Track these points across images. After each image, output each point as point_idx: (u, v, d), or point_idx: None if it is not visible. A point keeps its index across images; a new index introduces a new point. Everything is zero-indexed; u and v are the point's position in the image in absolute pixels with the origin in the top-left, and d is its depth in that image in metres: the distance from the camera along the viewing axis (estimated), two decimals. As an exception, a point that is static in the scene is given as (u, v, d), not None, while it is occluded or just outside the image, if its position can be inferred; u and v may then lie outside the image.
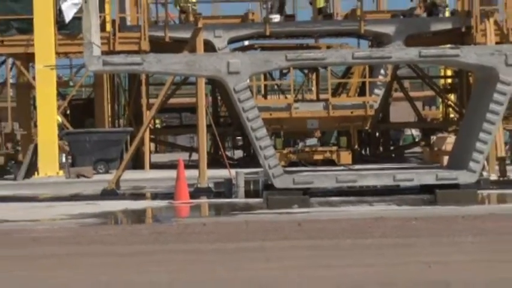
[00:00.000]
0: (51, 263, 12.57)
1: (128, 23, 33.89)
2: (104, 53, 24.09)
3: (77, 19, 29.19)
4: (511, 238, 13.93)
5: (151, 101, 32.93)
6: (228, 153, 34.28)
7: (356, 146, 36.71)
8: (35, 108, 31.86)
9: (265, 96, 37.89)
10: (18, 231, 16.54)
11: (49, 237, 15.64)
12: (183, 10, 34.49)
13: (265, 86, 38.78)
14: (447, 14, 34.68)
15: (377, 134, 37.98)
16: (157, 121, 37.69)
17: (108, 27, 32.25)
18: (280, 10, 34.80)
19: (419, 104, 40.07)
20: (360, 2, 34.32)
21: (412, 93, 39.24)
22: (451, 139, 28.24)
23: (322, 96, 37.43)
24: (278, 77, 39.46)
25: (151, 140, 34.75)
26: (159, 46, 32.04)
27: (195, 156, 30.99)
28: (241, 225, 17.01)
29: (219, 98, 37.36)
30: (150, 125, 31.45)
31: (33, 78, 31.75)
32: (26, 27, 31.67)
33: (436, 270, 11.07)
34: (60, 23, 31.46)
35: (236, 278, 10.83)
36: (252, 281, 10.51)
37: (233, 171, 23.69)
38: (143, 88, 33.95)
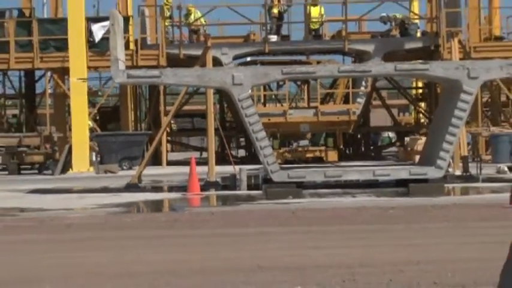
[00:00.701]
0: (83, 245, 12.59)
1: (148, 42, 33.87)
2: (128, 67, 24.08)
3: (105, 39, 29.18)
4: (472, 224, 13.93)
5: (167, 108, 32.88)
6: (233, 152, 34.21)
7: (341, 146, 36.73)
8: (69, 114, 31.86)
9: (264, 104, 37.86)
10: (55, 219, 16.55)
11: (81, 224, 15.66)
12: (194, 31, 34.50)
13: (264, 95, 38.74)
14: (418, 34, 34.71)
15: (359, 136, 37.98)
16: (173, 125, 37.59)
17: (132, 45, 32.25)
18: (277, 31, 34.80)
19: (394, 111, 40.04)
20: (345, 24, 34.38)
21: (388, 102, 39.22)
22: (421, 140, 28.23)
23: (312, 104, 37.37)
24: (275, 88, 39.43)
25: (167, 141, 34.76)
26: (174, 62, 32.02)
27: (205, 154, 30.97)
28: (244, 214, 17.02)
29: (225, 105, 37.36)
30: (167, 129, 31.41)
31: (68, 89, 31.76)
32: (62, 45, 31.68)
33: (408, 251, 11.09)
34: (91, 42, 31.48)
35: (239, 257, 10.85)
36: (252, 259, 10.51)
37: (237, 167, 23.69)
38: (161, 97, 33.96)
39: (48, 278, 9.52)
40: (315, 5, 34.27)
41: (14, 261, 11.02)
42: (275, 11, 34.44)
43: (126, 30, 29.21)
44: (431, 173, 20.46)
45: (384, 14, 34.51)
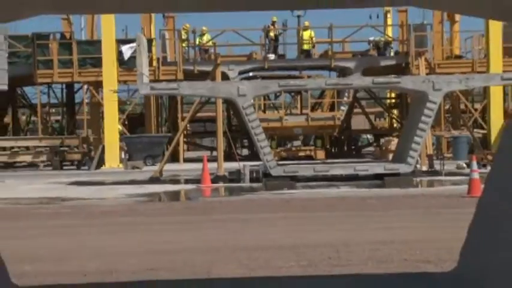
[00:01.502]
0: (114, 229, 12.60)
1: (168, 60, 33.89)
2: (151, 81, 24.10)
3: (132, 57, 29.17)
4: (436, 211, 13.94)
5: (184, 114, 32.87)
6: (238, 151, 34.20)
7: (328, 146, 36.72)
8: (102, 119, 31.85)
9: (264, 111, 37.79)
10: (91, 206, 16.57)
11: (112, 211, 15.68)
12: (205, 50, 34.56)
13: (264, 104, 38.68)
14: (392, 53, 34.74)
15: (342, 137, 37.94)
16: (188, 129, 37.58)
17: (154, 63, 32.24)
18: (274, 51, 34.88)
19: (372, 117, 39.98)
20: (331, 45, 34.44)
21: (367, 109, 39.15)
22: (394, 141, 28.26)
23: (304, 111, 37.37)
24: (273, 98, 39.42)
25: (184, 142, 34.72)
26: (189, 76, 32.02)
27: (215, 153, 30.97)
28: (247, 202, 17.03)
29: (231, 112, 37.32)
30: (184, 132, 31.44)
31: (102, 98, 31.77)
32: (97, 63, 31.70)
33: (384, 233, 11.10)
34: (120, 60, 31.47)
35: (243, 238, 10.86)
36: (254, 240, 10.53)
37: (241, 164, 23.70)
38: (178, 106, 33.96)
39: (88, 255, 9.54)
40: (306, 29, 34.39)
41: (56, 242, 11.05)
42: (271, 34, 34.60)
43: (149, 50, 29.23)
44: (403, 168, 20.48)
45: (371, 38, 34.74)
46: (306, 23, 34.43)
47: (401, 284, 5.16)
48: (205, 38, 34.53)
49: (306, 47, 34.55)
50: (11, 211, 15.61)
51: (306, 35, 34.54)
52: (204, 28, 34.49)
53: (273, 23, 34.54)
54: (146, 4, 4.85)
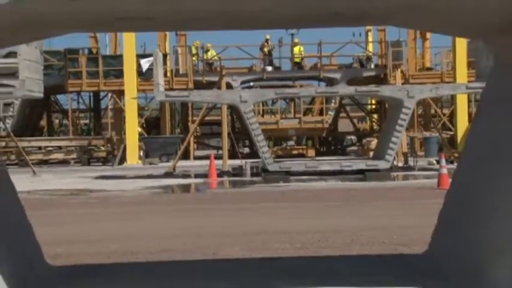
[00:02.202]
0: (134, 216, 12.61)
1: (180, 72, 33.90)
2: (166, 90, 24.08)
3: (150, 70, 29.15)
4: (411, 201, 13.93)
5: (194, 118, 32.88)
6: (240, 150, 34.19)
7: (317, 146, 36.71)
8: (124, 123, 31.83)
9: (262, 116, 37.83)
10: (114, 197, 16.57)
11: (132, 201, 15.68)
12: (209, 63, 34.68)
13: (263, 109, 38.75)
14: (372, 66, 34.77)
15: (330, 138, 37.91)
16: (197, 130, 37.62)
17: (169, 74, 32.23)
18: (271, 64, 34.98)
19: (355, 120, 39.94)
20: (320, 59, 34.53)
21: (351, 114, 39.11)
22: (374, 141, 28.21)
23: (297, 115, 37.41)
24: (270, 104, 39.41)
25: (194, 142, 34.71)
26: (199, 85, 32.00)
27: (220, 152, 30.98)
28: (248, 194, 17.03)
29: (235, 117, 37.29)
30: (194, 133, 31.42)
31: (123, 105, 31.76)
32: (119, 74, 31.70)
33: (365, 220, 11.09)
34: (139, 72, 31.47)
35: (245, 224, 10.86)
36: (254, 226, 10.53)
37: (243, 161, 23.73)
38: (189, 111, 34.01)
39: (112, 239, 9.54)
40: (295, 45, 34.61)
41: (84, 228, 11.04)
42: (265, 50, 34.81)
43: (164, 63, 29.25)
44: (382, 164, 20.48)
45: (355, 54, 35.09)
46: (296, 40, 34.65)
47: (380, 265, 5.14)
48: (210, 53, 34.72)
49: (296, 60, 34.77)
50: (46, 201, 15.61)
51: (296, 50, 34.75)
52: (208, 45, 34.67)
53: (267, 41, 34.72)
54: (160, 23, 4.84)
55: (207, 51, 34.58)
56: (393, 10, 4.30)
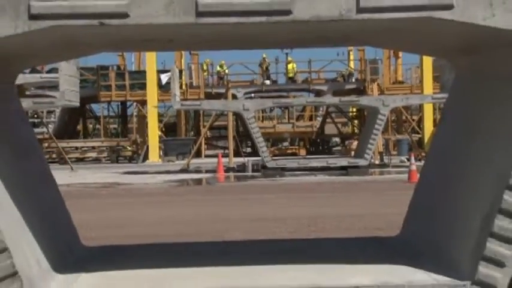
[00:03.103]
0: (155, 204, 12.63)
1: (193, 85, 33.96)
2: (181, 100, 24.12)
3: (168, 83, 29.23)
4: (385, 192, 13.96)
5: (205, 123, 32.90)
6: (243, 150, 34.22)
7: (307, 146, 36.73)
8: (146, 127, 31.87)
9: (262, 121, 37.87)
10: (138, 189, 16.60)
11: (153, 192, 15.71)
12: (220, 77, 34.72)
13: (262, 116, 38.78)
14: (353, 80, 34.81)
15: (318, 140, 37.92)
16: (208, 134, 37.65)
17: (184, 86, 32.29)
18: (269, 78, 35.10)
19: (339, 125, 39.95)
20: (310, 74, 34.64)
21: (336, 120, 39.13)
22: (355, 143, 28.24)
23: (290, 121, 37.47)
24: (269, 111, 39.45)
25: (205, 143, 34.73)
26: (209, 96, 32.08)
27: (227, 151, 31.04)
28: (250, 186, 17.05)
29: (239, 122, 37.35)
30: (205, 136, 31.47)
31: (146, 112, 31.79)
32: (143, 87, 31.76)
33: (348, 208, 11.10)
34: (159, 85, 31.53)
35: (247, 212, 10.87)
36: (255, 213, 10.54)
37: (246, 159, 23.75)
38: (201, 117, 34.05)
39: (136, 224, 9.55)
40: (289, 62, 34.73)
41: (113, 215, 11.06)
42: (264, 66, 34.97)
43: (180, 77, 29.29)
44: (361, 162, 20.49)
45: (339, 70, 35.26)
46: (290, 58, 34.88)
47: (360, 245, 5.13)
48: (222, 68, 35.11)
49: (290, 75, 34.97)
50: (82, 192, 15.63)
51: (290, 66, 34.90)
52: (222, 62, 35.09)
53: (264, 59, 35.00)
54: (179, 45, 4.85)
55: (221, 66, 34.91)
56: (371, 34, 4.31)
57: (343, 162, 21.33)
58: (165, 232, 8.57)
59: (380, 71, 34.04)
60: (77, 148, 31.69)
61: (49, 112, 33.63)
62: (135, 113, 37.15)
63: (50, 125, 32.33)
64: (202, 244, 5.48)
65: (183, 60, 35.78)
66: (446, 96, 5.46)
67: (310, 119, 37.01)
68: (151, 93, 30.70)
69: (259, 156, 21.63)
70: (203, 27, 3.71)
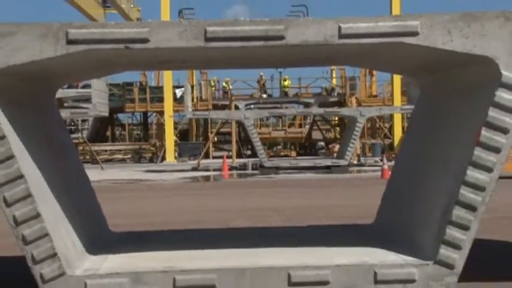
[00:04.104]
0: (170, 197, 12.59)
1: (203, 98, 33.95)
2: (193, 110, 24.11)
3: (182, 96, 29.25)
4: (363, 187, 13.91)
5: (212, 130, 32.88)
6: (244, 152, 34.18)
7: (297, 149, 36.69)
8: (164, 133, 31.83)
9: (259, 128, 37.83)
10: (156, 185, 16.56)
11: (170, 187, 15.67)
12: (225, 91, 34.73)
13: (260, 123, 38.75)
14: (336, 94, 34.79)
15: (306, 144, 37.88)
16: (215, 138, 37.62)
17: (195, 99, 32.29)
18: (265, 92, 35.12)
19: (324, 131, 39.90)
20: (299, 89, 34.66)
21: (321, 127, 39.08)
22: (337, 146, 28.18)
23: (283, 128, 37.46)
24: (265, 120, 39.43)
25: (212, 146, 34.70)
26: (216, 107, 32.09)
27: (231, 153, 30.98)
28: (250, 182, 17.02)
29: (240, 129, 37.32)
30: (212, 140, 31.43)
31: (164, 120, 31.75)
32: (161, 99, 31.74)
33: (332, 200, 11.07)
34: (175, 98, 31.51)
35: (247, 203, 10.84)
36: (254, 204, 10.52)
37: (246, 159, 23.72)
38: (209, 124, 34.02)
39: (156, 213, 9.53)
40: (285, 80, 34.74)
41: (136, 206, 11.03)
42: (261, 82, 35.02)
43: (192, 92, 29.28)
44: (342, 162, 20.46)
45: (323, 86, 35.35)
46: (286, 76, 34.90)
47: (342, 231, 5.13)
48: (229, 84, 35.21)
49: (286, 89, 35.08)
50: (110, 187, 15.60)
51: (286, 83, 34.94)
52: (227, 79, 35.25)
53: (261, 76, 35.09)
54: (191, 65, 4.86)
55: (226, 82, 35.05)
56: (351, 56, 4.32)
57: (327, 162, 21.31)
58: (178, 220, 8.56)
59: (357, 86, 34.03)
60: (106, 150, 31.65)
61: (83, 121, 33.59)
62: (154, 121, 37.12)
63: (84, 131, 32.29)
64: (209, 230, 5.47)
65: (194, 78, 35.77)
66: (412, 108, 5.47)
67: (300, 126, 36.99)
68: (168, 105, 30.68)
69: (257, 157, 21.62)
70: (211, 50, 3.74)
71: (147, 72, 36.38)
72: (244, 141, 35.50)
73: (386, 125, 35.17)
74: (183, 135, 36.32)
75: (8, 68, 3.65)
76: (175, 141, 31.41)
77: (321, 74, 37.44)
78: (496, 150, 3.70)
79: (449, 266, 3.78)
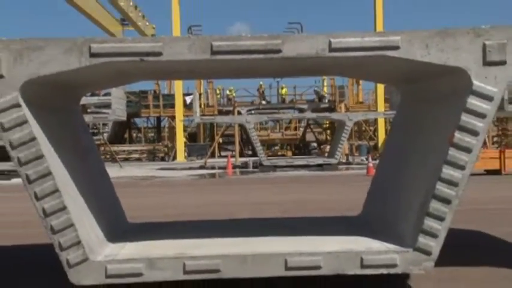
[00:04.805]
0: (181, 192, 12.58)
1: (209, 104, 33.93)
2: (201, 115, 24.11)
3: (191, 103, 29.21)
4: (351, 183, 13.90)
5: (218, 132, 32.87)
6: (246, 152, 34.16)
7: (293, 149, 36.68)
8: (175, 135, 31.81)
9: (259, 130, 37.80)
10: (169, 181, 16.56)
11: (180, 183, 15.66)
12: (229, 98, 34.73)
13: (259, 127, 38.75)
14: (326, 100, 34.79)
15: (301, 144, 37.84)
16: (220, 140, 37.58)
17: (202, 105, 32.26)
18: (264, 99, 35.10)
19: (316, 134, 39.85)
20: (295, 96, 34.64)
21: (314, 130, 39.04)
22: (328, 147, 28.17)
23: (281, 130, 37.43)
24: (265, 123, 39.43)
25: (218, 147, 34.67)
26: (220, 112, 32.08)
27: (234, 153, 30.96)
28: (251, 179, 17.00)
29: (242, 131, 37.30)
30: (218, 141, 31.40)
31: (175, 124, 31.73)
32: (172, 105, 31.72)
33: (324, 195, 11.06)
34: (184, 104, 31.50)
35: (249, 198, 10.84)
36: (255, 198, 10.51)
37: (248, 158, 23.69)
38: (215, 128, 34.00)
39: (168, 206, 9.53)
40: (282, 88, 34.75)
41: (150, 200, 11.03)
42: (260, 90, 35.01)
43: (199, 99, 29.28)
44: (332, 161, 20.46)
45: (316, 89, 35.17)
46: (283, 85, 34.94)
47: (333, 222, 5.12)
48: (231, 92, 35.15)
49: (284, 96, 35.12)
50: (128, 183, 15.60)
51: (283, 91, 34.94)
52: (231, 87, 35.17)
53: (261, 85, 35.11)
54: (198, 75, 4.87)
55: (230, 90, 35.03)
56: (340, 67, 4.33)
57: (319, 161, 21.30)
58: (188, 212, 8.56)
59: (346, 94, 34.02)
60: (124, 151, 31.65)
61: (104, 124, 33.53)
62: (166, 125, 37.09)
63: (104, 134, 32.27)
64: (215, 221, 5.48)
65: (201, 86, 35.78)
66: (394, 113, 5.49)
67: (295, 129, 36.94)
68: (179, 111, 30.65)
69: (257, 156, 21.60)
70: (216, 62, 3.75)
71: (160, 82, 36.38)
72: (246, 142, 35.48)
73: (371, 128, 35.17)
74: (191, 137, 36.30)
75: (39, 78, 3.68)
76: (184, 143, 31.39)
77: (313, 83, 37.42)
78: (468, 150, 3.72)
79: (427, 253, 3.79)
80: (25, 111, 3.61)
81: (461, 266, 4.40)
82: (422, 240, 3.73)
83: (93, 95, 26.43)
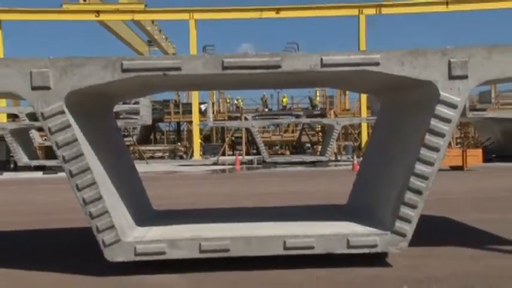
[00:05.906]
0: (198, 185, 12.55)
1: (221, 111, 33.91)
2: (213, 120, 24.06)
3: (205, 110, 29.21)
4: (339, 177, 13.85)
5: (228, 135, 32.81)
6: (252, 151, 34.09)
7: (291, 149, 36.57)
8: (192, 137, 31.78)
9: (263, 133, 37.66)
10: (187, 175, 16.54)
11: (197, 177, 15.63)
12: (237, 106, 34.70)
13: (263, 130, 38.61)
14: (319, 108, 34.73)
15: (297, 145, 37.69)
16: (230, 140, 37.48)
17: (215, 112, 32.22)
18: (267, 107, 35.07)
19: (310, 136, 39.70)
20: (292, 104, 34.60)
21: (308, 132, 38.92)
22: (320, 147, 28.10)
23: (280, 133, 37.39)
24: (267, 127, 39.31)
25: (228, 147, 34.61)
26: (230, 118, 32.04)
27: (241, 151, 30.90)
28: (256, 173, 16.95)
29: (248, 134, 37.20)
30: (228, 142, 31.36)
31: (192, 128, 31.70)
32: (190, 112, 31.69)
33: (317, 187, 11.04)
34: (200, 111, 31.47)
35: (253, 189, 10.81)
36: (258, 190, 10.49)
37: (252, 156, 23.64)
38: (225, 131, 33.96)
39: (187, 196, 9.52)
40: (283, 97, 34.73)
41: (172, 191, 11.02)
42: (264, 100, 34.98)
43: (212, 106, 29.24)
44: (323, 158, 20.43)
45: (310, 96, 35.30)
46: (285, 95, 34.91)
47: (325, 210, 5.12)
48: (240, 101, 35.11)
49: (284, 104, 35.14)
50: (152, 177, 15.61)
51: (284, 100, 34.93)
52: (239, 97, 35.17)
53: (264, 95, 35.10)
54: (211, 87, 4.88)
55: (238, 99, 35.04)
56: (330, 80, 4.34)
57: (313, 158, 21.25)
58: (202, 201, 8.55)
59: (335, 102, 33.94)
60: (150, 150, 31.65)
61: (133, 128, 33.62)
62: (185, 129, 37.07)
63: (134, 136, 32.33)
64: (225, 209, 5.49)
65: (214, 96, 35.76)
66: (375, 118, 5.49)
67: (292, 132, 36.84)
68: (195, 117, 30.59)
69: (261, 155, 21.57)
70: (227, 76, 3.78)
71: (179, 92, 36.39)
72: (251, 143, 35.38)
73: (356, 131, 35.04)
74: (206, 138, 36.28)
75: (80, 90, 3.74)
76: (200, 143, 31.35)
77: (307, 93, 37.30)
78: (436, 149, 3.75)
79: (402, 235, 3.81)
80: (68, 117, 3.68)
81: (430, 246, 4.40)
82: (399, 224, 3.74)
83: (124, 103, 26.49)
